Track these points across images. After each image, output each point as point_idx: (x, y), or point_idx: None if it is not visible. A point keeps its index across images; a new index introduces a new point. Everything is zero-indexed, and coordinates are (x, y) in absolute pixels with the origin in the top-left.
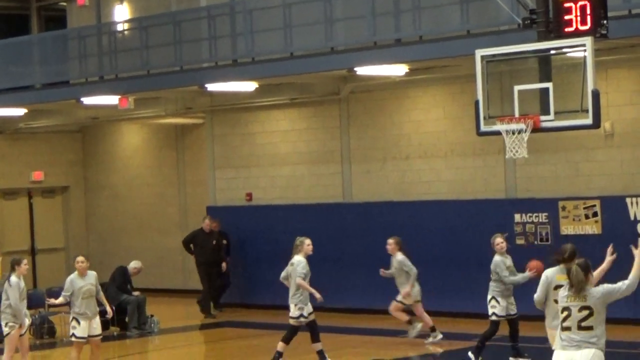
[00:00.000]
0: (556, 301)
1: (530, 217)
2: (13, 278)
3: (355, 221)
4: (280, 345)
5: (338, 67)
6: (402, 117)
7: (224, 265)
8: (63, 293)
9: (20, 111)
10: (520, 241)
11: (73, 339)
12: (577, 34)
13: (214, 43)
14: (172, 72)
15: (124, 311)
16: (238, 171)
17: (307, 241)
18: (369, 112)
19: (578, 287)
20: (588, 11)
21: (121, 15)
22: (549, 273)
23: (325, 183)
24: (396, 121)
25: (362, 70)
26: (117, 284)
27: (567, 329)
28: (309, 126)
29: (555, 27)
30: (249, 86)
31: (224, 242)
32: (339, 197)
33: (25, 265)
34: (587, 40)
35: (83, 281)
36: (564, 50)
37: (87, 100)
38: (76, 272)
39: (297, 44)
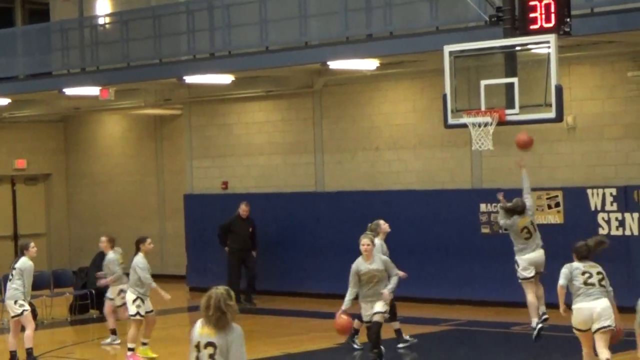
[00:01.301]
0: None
1: (495, 206)
2: (25, 260)
3: (328, 209)
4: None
5: (312, 61)
6: (373, 110)
7: (253, 252)
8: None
9: (4, 101)
10: (485, 230)
11: (138, 317)
12: (542, 31)
13: (192, 37)
14: (151, 65)
15: (104, 295)
16: (215, 161)
17: (381, 222)
18: (341, 105)
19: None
20: (552, 9)
21: (103, 9)
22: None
23: (299, 173)
24: (367, 113)
25: (334, 64)
26: (98, 269)
27: None
28: (284, 118)
29: (520, 25)
30: (226, 79)
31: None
32: (312, 186)
33: (33, 247)
34: (551, 37)
35: (147, 263)
36: (529, 46)
37: (69, 91)
38: (141, 254)
39: (272, 38)
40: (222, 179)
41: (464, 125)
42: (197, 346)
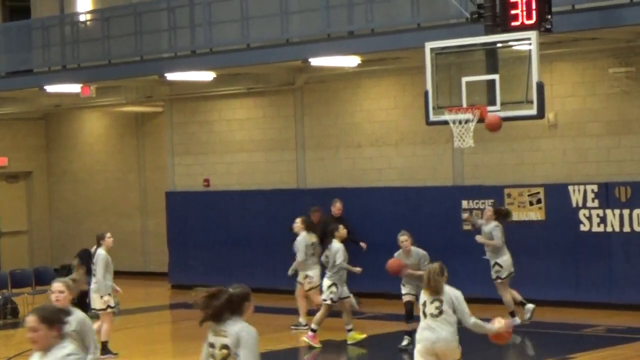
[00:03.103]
0: None
1: (476, 203)
2: (101, 251)
3: (309, 206)
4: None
5: (293, 58)
6: (355, 107)
7: (363, 245)
8: None
9: None
10: (467, 227)
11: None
12: (523, 28)
13: (173, 34)
14: (132, 62)
15: (86, 293)
16: (196, 158)
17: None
18: (323, 102)
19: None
20: (533, 6)
21: (83, 6)
22: None
23: (280, 170)
24: (349, 110)
25: (316, 61)
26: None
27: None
28: (265, 115)
29: (501, 21)
30: (207, 76)
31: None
32: (294, 183)
33: (109, 238)
34: (532, 34)
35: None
36: (510, 43)
37: (50, 88)
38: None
39: (253, 35)
40: (203, 176)
41: (446, 122)
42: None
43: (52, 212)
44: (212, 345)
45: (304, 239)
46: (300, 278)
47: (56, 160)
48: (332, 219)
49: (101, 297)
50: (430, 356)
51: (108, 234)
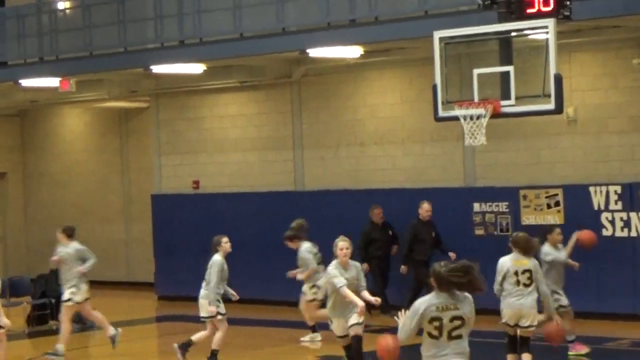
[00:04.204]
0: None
1: (490, 206)
2: (217, 257)
3: (308, 210)
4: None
5: (290, 49)
6: (357, 102)
7: (452, 254)
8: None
9: None
10: (479, 231)
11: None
12: (540, 15)
13: (159, 23)
14: (115, 54)
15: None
16: (184, 158)
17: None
18: (322, 96)
19: None
20: None
21: None
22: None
23: (276, 170)
24: (350, 106)
25: (315, 52)
26: (58, 276)
27: None
28: (260, 111)
29: (516, 8)
30: (197, 68)
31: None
32: (291, 185)
33: (226, 243)
34: (550, 22)
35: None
36: (526, 32)
37: (26, 83)
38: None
39: (246, 24)
40: (192, 177)
41: (456, 118)
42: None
43: (28, 217)
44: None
45: (309, 247)
46: (305, 288)
47: (32, 160)
48: (375, 227)
49: (209, 304)
50: None
51: (225, 239)
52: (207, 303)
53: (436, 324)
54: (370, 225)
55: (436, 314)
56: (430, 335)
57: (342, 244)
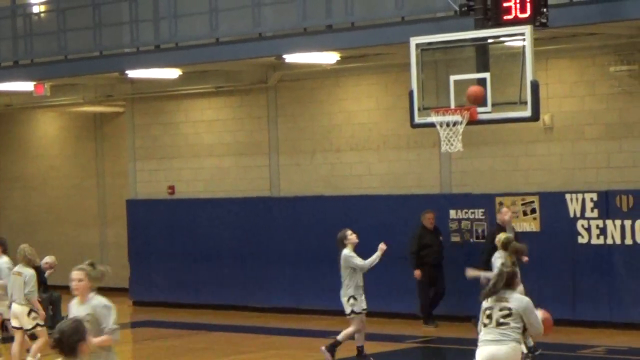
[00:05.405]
0: None
1: (466, 213)
2: (346, 251)
3: (283, 216)
4: None
5: (266, 54)
6: (333, 108)
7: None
8: None
9: None
10: (455, 238)
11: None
12: (516, 22)
13: (135, 27)
14: (91, 58)
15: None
16: (160, 163)
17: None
18: (298, 102)
19: None
20: None
21: None
22: None
23: (252, 176)
24: (327, 111)
25: (291, 58)
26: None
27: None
28: (235, 116)
29: (493, 15)
30: (172, 73)
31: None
32: (266, 190)
33: (351, 235)
34: (527, 29)
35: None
36: (503, 39)
37: (0, 87)
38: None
39: (223, 29)
40: (168, 182)
41: (432, 125)
42: None
43: (2, 221)
44: None
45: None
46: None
47: (6, 165)
48: (427, 232)
49: (348, 300)
50: None
51: (349, 231)
52: (346, 300)
53: None
54: (421, 229)
55: None
56: None
57: (74, 275)
